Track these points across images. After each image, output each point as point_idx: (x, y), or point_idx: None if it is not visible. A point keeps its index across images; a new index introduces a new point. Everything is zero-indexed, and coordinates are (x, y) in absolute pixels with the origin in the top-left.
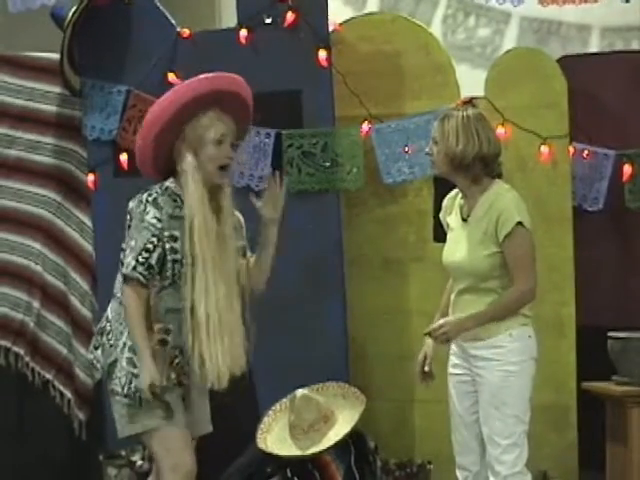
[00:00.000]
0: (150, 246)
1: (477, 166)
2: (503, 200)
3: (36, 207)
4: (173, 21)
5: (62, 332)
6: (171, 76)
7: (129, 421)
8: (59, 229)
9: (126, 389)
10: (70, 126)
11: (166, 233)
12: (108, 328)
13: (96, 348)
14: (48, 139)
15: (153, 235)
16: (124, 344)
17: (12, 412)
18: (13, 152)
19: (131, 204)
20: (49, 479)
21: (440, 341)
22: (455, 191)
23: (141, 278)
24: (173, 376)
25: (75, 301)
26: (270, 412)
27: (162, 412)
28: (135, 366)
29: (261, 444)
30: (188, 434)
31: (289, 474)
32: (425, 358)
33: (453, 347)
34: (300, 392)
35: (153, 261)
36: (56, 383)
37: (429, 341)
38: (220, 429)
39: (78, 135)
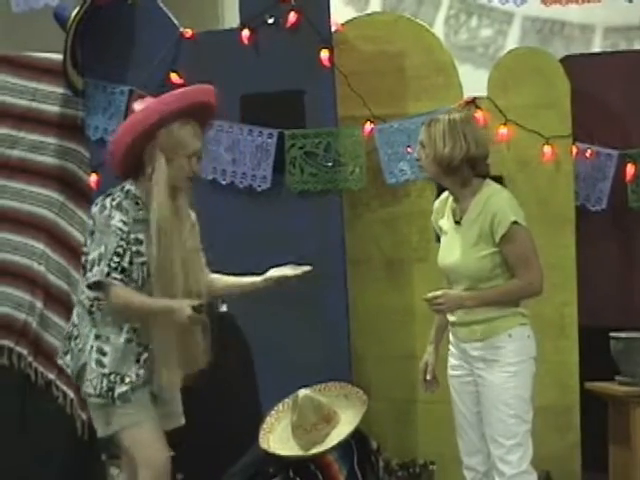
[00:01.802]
0: (120, 250)
1: (465, 168)
2: (495, 200)
3: (39, 207)
4: (176, 21)
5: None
6: (174, 76)
7: (105, 422)
8: (62, 229)
9: (98, 389)
10: (73, 126)
11: (132, 236)
12: (75, 333)
13: (65, 354)
14: (51, 139)
15: (121, 239)
16: (91, 347)
17: (15, 412)
18: (16, 152)
19: (94, 209)
20: (52, 479)
21: (434, 310)
22: (445, 194)
23: (116, 282)
24: (141, 372)
25: None
26: (273, 412)
27: (133, 409)
28: (104, 366)
29: (263, 444)
30: (159, 428)
31: (291, 474)
32: (427, 366)
33: (451, 348)
34: (303, 392)
35: (126, 264)
36: (59, 383)
37: (430, 348)
38: (222, 429)
39: (81, 135)
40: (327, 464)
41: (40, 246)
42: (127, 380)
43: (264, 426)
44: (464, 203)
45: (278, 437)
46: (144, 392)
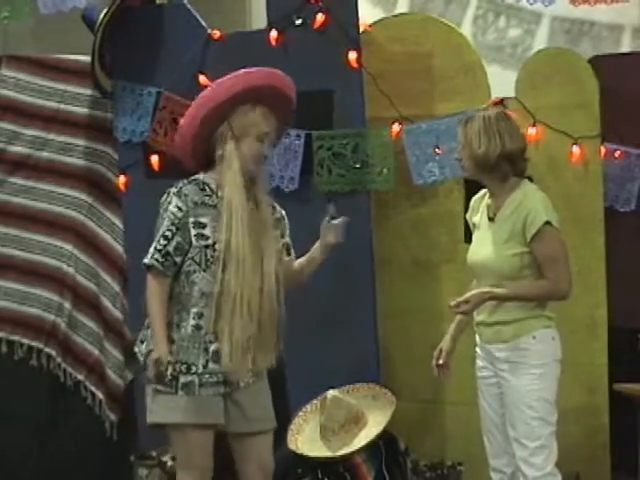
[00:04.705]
0: (168, 234)
1: (503, 165)
2: (530, 200)
3: (67, 209)
4: (204, 23)
5: (93, 333)
6: (202, 78)
7: (161, 408)
8: (90, 230)
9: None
10: (101, 128)
11: (191, 219)
12: (149, 321)
13: (141, 342)
14: (79, 141)
15: (172, 223)
16: None
17: (44, 412)
18: (45, 154)
19: (162, 198)
20: (81, 479)
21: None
22: (482, 192)
23: (157, 265)
24: (210, 366)
25: (106, 302)
26: (301, 413)
27: (193, 406)
28: (170, 353)
29: (292, 445)
30: (211, 434)
31: (320, 475)
32: (440, 352)
33: (478, 350)
34: (331, 393)
35: (170, 248)
36: (87, 384)
37: (447, 336)
38: None
39: (109, 137)
40: (355, 465)
41: (69, 247)
42: (193, 370)
43: (292, 427)
44: (499, 200)
45: (306, 438)
46: (212, 392)
